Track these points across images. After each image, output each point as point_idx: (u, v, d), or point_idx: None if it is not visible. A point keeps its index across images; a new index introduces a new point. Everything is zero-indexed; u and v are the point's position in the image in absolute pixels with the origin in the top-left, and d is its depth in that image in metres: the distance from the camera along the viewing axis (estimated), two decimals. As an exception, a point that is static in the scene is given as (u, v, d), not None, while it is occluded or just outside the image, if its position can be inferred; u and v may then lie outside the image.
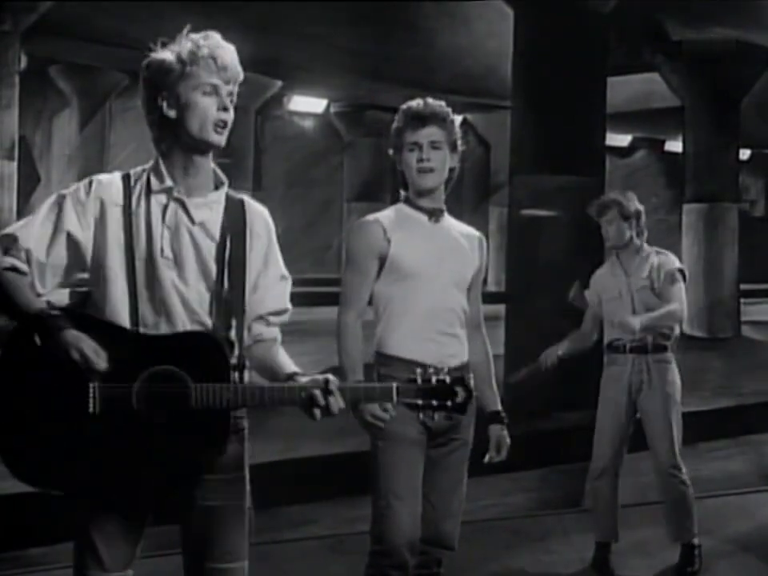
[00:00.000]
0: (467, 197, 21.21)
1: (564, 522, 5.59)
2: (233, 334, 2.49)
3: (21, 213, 12.52)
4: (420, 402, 2.40)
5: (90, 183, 2.48)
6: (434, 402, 2.40)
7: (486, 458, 3.41)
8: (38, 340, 2.34)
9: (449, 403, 2.40)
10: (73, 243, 2.44)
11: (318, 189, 22.67)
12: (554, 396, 7.54)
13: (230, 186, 2.59)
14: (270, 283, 2.58)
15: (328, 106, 20.93)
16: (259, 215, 2.59)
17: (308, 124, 22.34)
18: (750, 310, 15.48)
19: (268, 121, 20.49)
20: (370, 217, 3.33)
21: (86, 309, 2.48)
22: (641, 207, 4.69)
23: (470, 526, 3.38)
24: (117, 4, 11.47)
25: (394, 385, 2.41)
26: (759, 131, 18.22)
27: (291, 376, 2.46)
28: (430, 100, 3.30)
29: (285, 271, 2.63)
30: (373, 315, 3.36)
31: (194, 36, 2.51)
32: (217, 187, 2.55)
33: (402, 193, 3.38)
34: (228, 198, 2.55)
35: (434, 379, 2.40)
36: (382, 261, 3.26)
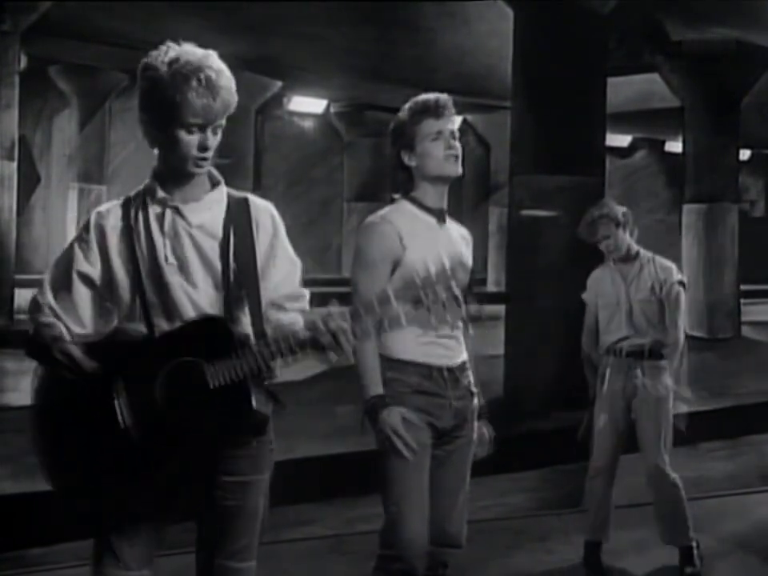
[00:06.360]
0: (467, 197, 21.21)
1: (564, 522, 5.59)
2: (248, 325, 2.51)
3: (21, 213, 12.55)
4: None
5: (90, 218, 2.59)
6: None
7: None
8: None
9: None
10: (86, 278, 2.55)
11: (317, 189, 22.68)
12: (553, 396, 7.55)
13: (230, 186, 2.61)
14: (278, 269, 2.60)
15: (328, 106, 20.93)
16: (264, 210, 2.62)
17: (308, 124, 22.34)
18: (749, 310, 15.47)
19: (268, 121, 20.49)
20: (382, 217, 3.26)
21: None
22: (624, 208, 4.69)
23: (470, 526, 3.38)
24: (117, 4, 11.47)
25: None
26: (759, 131, 18.22)
27: None
28: (436, 93, 3.28)
29: (293, 256, 2.65)
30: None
31: (186, 58, 2.44)
32: (214, 186, 2.58)
33: (396, 196, 3.34)
34: (230, 197, 2.58)
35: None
36: (395, 265, 3.20)
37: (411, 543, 3.19)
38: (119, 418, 2.40)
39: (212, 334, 2.44)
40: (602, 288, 4.74)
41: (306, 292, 2.65)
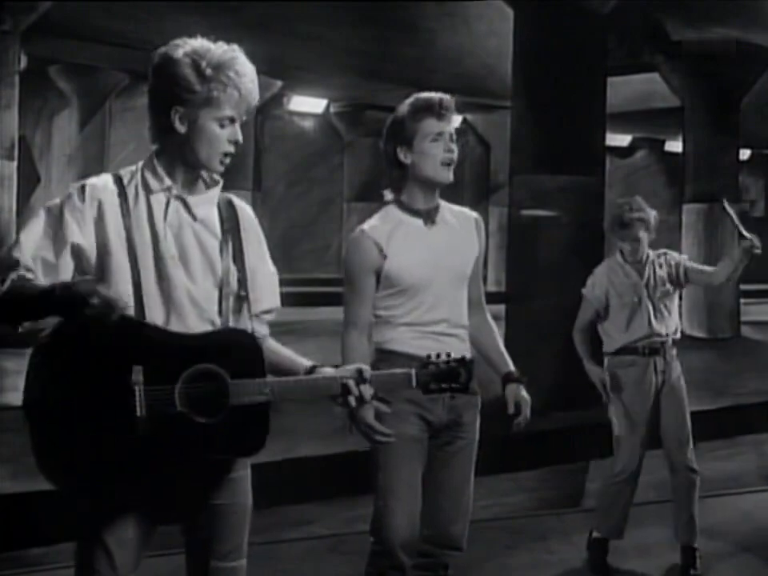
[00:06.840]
0: (467, 197, 21.22)
1: (564, 521, 5.59)
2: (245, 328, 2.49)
3: (21, 213, 12.55)
4: (433, 385, 2.55)
5: (83, 187, 2.43)
6: (443, 385, 2.56)
7: (514, 424, 3.33)
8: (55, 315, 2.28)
9: (454, 385, 2.57)
10: (78, 252, 2.40)
11: (317, 189, 22.69)
12: (553, 396, 7.55)
13: (230, 186, 2.59)
14: (266, 282, 2.59)
15: (328, 106, 20.95)
16: (247, 212, 2.60)
17: (308, 124, 22.35)
18: (750, 310, 15.48)
19: (268, 121, 20.48)
20: (363, 230, 3.25)
21: None
22: (654, 212, 4.68)
23: (470, 525, 3.38)
24: (117, 4, 11.47)
25: (413, 370, 2.53)
26: (759, 131, 18.22)
27: (313, 368, 2.51)
28: (439, 93, 3.25)
29: (273, 266, 2.64)
30: (372, 318, 3.34)
31: (219, 51, 2.40)
32: (209, 187, 2.54)
33: (389, 195, 3.31)
34: (219, 197, 2.55)
35: (442, 364, 2.56)
36: (378, 276, 3.22)
37: (396, 538, 3.19)
38: (137, 406, 2.30)
39: (242, 350, 2.39)
40: (615, 286, 4.66)
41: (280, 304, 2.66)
